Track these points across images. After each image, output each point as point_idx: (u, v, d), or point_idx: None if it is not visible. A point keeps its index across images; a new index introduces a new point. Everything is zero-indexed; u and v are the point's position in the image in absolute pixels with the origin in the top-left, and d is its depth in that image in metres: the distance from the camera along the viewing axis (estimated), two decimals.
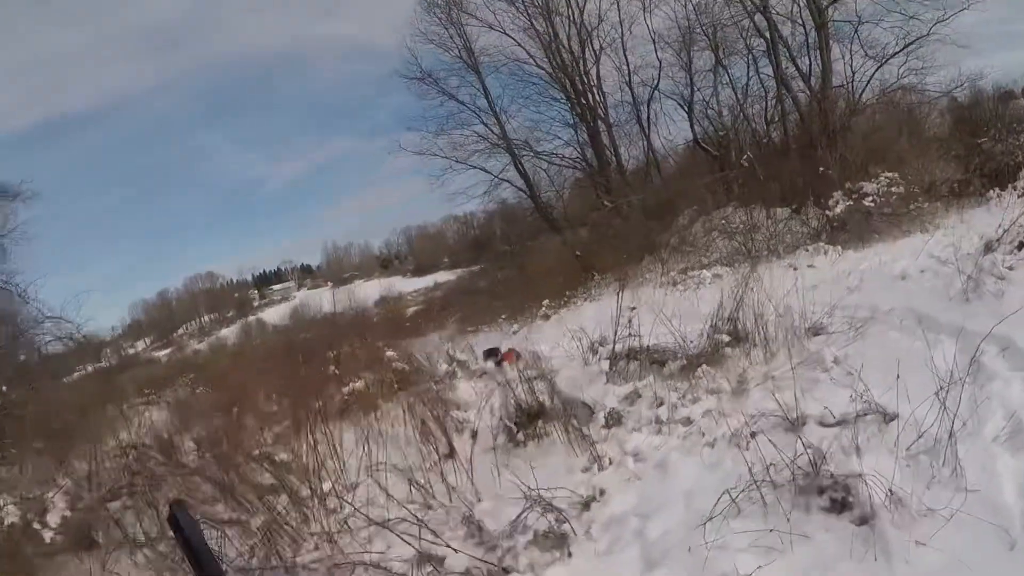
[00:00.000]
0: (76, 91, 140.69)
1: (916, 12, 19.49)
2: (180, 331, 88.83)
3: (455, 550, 4.38)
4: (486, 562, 4.28)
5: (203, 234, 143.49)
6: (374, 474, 6.11)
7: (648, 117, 25.30)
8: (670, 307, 9.15)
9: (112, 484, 7.10)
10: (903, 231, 13.53)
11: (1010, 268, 6.97)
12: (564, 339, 9.04)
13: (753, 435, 4.91)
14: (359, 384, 9.56)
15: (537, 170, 26.23)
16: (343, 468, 6.66)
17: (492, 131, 25.45)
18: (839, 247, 13.46)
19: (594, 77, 25.13)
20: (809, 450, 4.00)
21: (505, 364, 8.75)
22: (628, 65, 24.91)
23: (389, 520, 4.76)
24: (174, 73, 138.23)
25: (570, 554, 4.29)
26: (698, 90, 24.20)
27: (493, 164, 25.69)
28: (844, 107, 19.96)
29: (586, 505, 4.86)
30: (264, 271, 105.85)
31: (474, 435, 6.91)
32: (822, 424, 4.72)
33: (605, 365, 7.36)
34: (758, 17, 21.07)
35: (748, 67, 23.10)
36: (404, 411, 7.71)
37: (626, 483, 5.12)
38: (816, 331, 7.02)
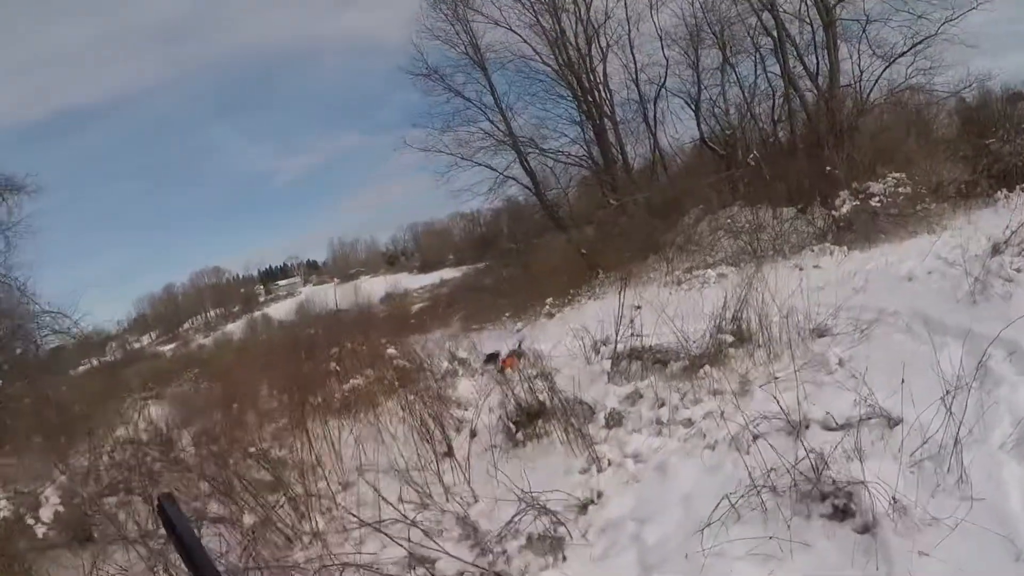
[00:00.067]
0: (85, 85, 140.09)
1: (924, 11, 19.27)
2: (186, 326, 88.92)
3: (447, 554, 4.31)
4: (477, 566, 4.21)
5: (210, 229, 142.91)
6: (370, 473, 6.07)
7: (655, 115, 25.15)
8: (674, 306, 9.07)
9: (110, 479, 7.07)
10: (910, 232, 13.42)
11: (1018, 270, 6.86)
12: (566, 337, 8.93)
13: (755, 438, 4.82)
14: (360, 381, 9.51)
15: (543, 168, 26.13)
16: (340, 466, 6.63)
17: (498, 128, 25.33)
18: (845, 247, 13.35)
19: (600, 74, 24.97)
20: (811, 455, 3.91)
21: (507, 370, 8.61)
22: (635, 63, 24.74)
23: (383, 521, 4.69)
24: (182, 67, 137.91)
25: (564, 558, 4.22)
26: (705, 88, 24.03)
27: (498, 161, 25.57)
28: (851, 107, 19.82)
29: (583, 508, 4.79)
30: (270, 266, 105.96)
31: (473, 434, 6.86)
32: (825, 428, 4.65)
33: (607, 365, 7.29)
34: (766, 15, 20.88)
35: (755, 66, 22.92)
36: (403, 409, 7.67)
37: (624, 486, 5.05)
38: (821, 332, 6.93)
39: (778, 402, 4.73)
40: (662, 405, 6.15)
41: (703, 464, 4.88)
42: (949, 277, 7.72)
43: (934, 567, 3.10)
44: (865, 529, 3.47)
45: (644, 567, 3.92)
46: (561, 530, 4.38)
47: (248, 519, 5.11)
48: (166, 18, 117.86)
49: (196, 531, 4.96)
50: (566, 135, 26.08)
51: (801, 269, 11.97)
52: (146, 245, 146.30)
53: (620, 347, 7.49)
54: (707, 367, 6.50)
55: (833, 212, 14.96)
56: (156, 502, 1.73)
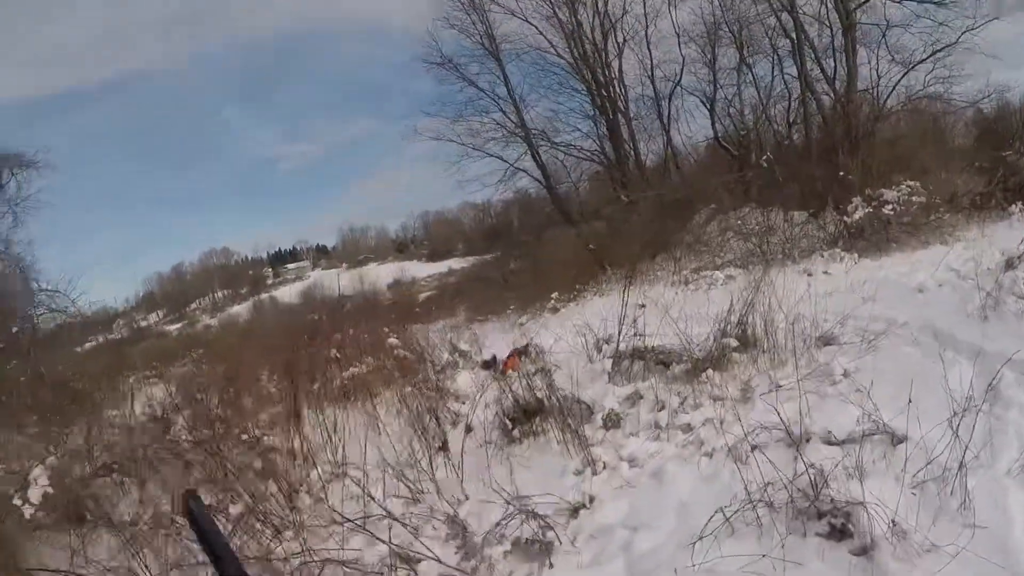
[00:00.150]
0: (98, 66, 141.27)
1: (946, 19, 19.08)
2: (193, 306, 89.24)
3: (431, 557, 4.22)
4: (461, 571, 4.12)
5: (220, 210, 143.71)
6: (363, 466, 6.00)
7: (669, 113, 25.11)
8: (680, 307, 8.98)
9: (103, 461, 7.01)
10: (922, 242, 13.23)
11: None
12: (569, 334, 8.82)
13: (754, 448, 4.72)
14: (360, 369, 9.42)
15: (554, 161, 26.02)
16: (333, 457, 6.54)
17: (510, 119, 25.25)
18: (856, 254, 13.16)
19: (616, 70, 24.87)
20: (810, 470, 3.79)
21: (509, 372, 8.48)
22: (651, 59, 24.67)
23: (369, 517, 4.61)
24: (198, 49, 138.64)
25: (551, 565, 4.12)
26: (721, 88, 23.98)
27: (509, 153, 25.50)
28: (868, 112, 19.59)
29: (574, 512, 4.69)
30: (280, 249, 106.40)
31: (469, 429, 6.77)
32: (827, 442, 4.53)
33: (608, 364, 7.18)
34: (785, 16, 20.71)
35: (772, 67, 22.78)
36: (401, 400, 7.60)
37: (618, 491, 4.94)
38: (827, 341, 6.81)
39: (779, 414, 4.61)
40: (662, 408, 6.03)
41: (700, 473, 4.78)
42: (961, 291, 7.56)
43: None
44: (863, 551, 3.35)
45: None
46: (551, 534, 4.28)
47: (235, 509, 5.02)
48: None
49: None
50: (579, 129, 26.03)
51: (810, 275, 11.82)
52: (156, 225, 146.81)
53: (623, 346, 7.37)
54: (710, 371, 6.36)
55: (845, 218, 14.75)
56: (182, 499, 1.68)
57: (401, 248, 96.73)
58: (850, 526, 3.47)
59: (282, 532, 4.98)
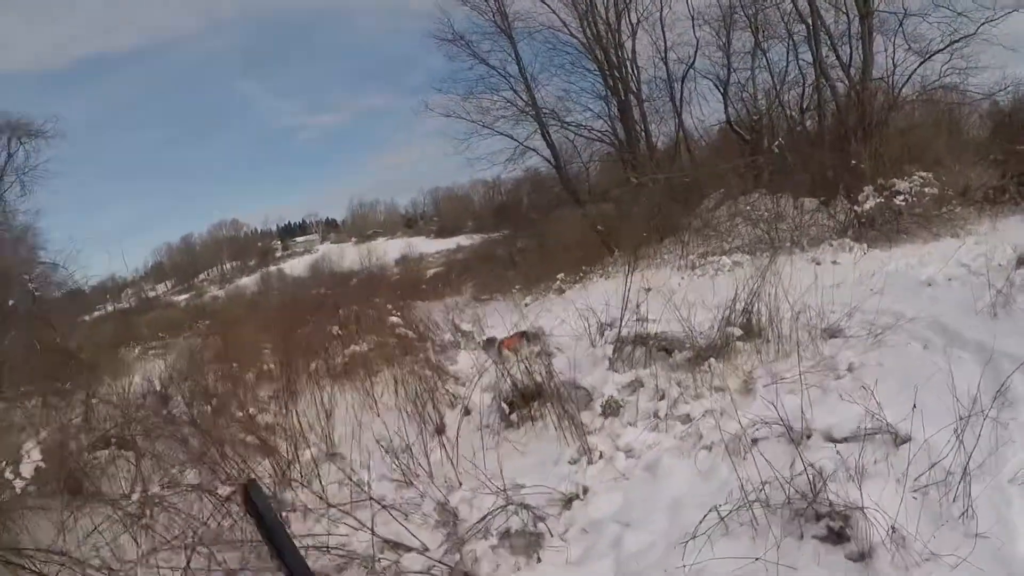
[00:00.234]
0: (115, 35, 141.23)
1: (965, 9, 18.69)
2: (201, 277, 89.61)
3: (417, 549, 4.15)
4: (445, 564, 4.05)
5: (231, 182, 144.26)
6: (357, 447, 5.95)
7: (681, 95, 24.80)
8: (686, 292, 8.89)
9: (99, 434, 6.97)
10: (933, 234, 13.07)
11: None
12: (572, 317, 8.72)
13: (754, 442, 4.64)
14: (362, 347, 9.37)
15: (564, 141, 25.76)
16: (329, 436, 6.49)
17: (520, 97, 24.87)
18: (865, 245, 13.00)
19: (628, 50, 24.53)
20: (809, 469, 3.69)
21: (505, 351, 8.43)
22: (664, 40, 24.35)
23: (358, 501, 4.55)
24: (217, 18, 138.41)
25: (539, 559, 4.05)
26: (734, 71, 23.66)
27: (519, 131, 25.12)
28: (882, 101, 19.31)
29: (567, 503, 4.62)
30: (289, 222, 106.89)
31: (467, 411, 6.72)
32: (828, 439, 4.44)
33: (609, 350, 7.09)
34: (801, 1, 20.38)
35: (787, 52, 22.37)
36: (398, 380, 7.54)
37: (613, 482, 4.87)
38: (833, 333, 6.69)
39: (778, 411, 4.51)
40: (662, 397, 5.95)
41: (696, 467, 4.70)
42: (971, 286, 7.38)
43: None
44: (860, 557, 3.26)
45: None
46: (541, 526, 4.22)
47: (223, 490, 4.95)
48: None
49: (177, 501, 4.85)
50: (590, 109, 25.68)
51: (819, 263, 11.69)
52: (167, 194, 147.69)
53: (625, 332, 7.26)
54: (712, 360, 6.25)
55: (856, 207, 14.56)
56: (243, 489, 1.67)
57: (410, 223, 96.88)
58: (848, 530, 3.38)
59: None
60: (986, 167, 16.55)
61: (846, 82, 20.21)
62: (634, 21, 24.25)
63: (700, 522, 3.66)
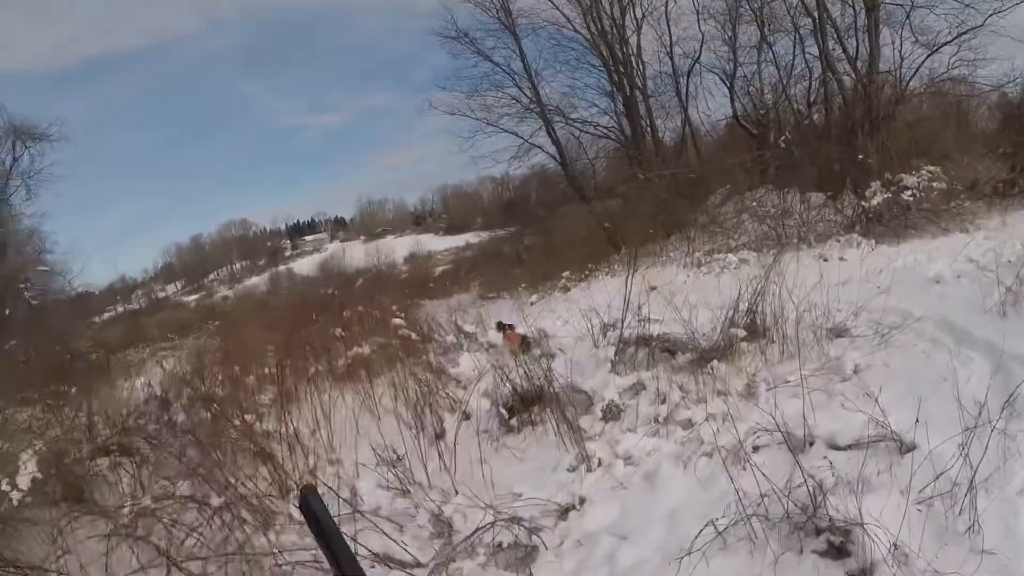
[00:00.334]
0: (117, 35, 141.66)
1: (972, 1, 18.55)
2: (211, 277, 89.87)
3: (408, 565, 4.07)
4: None
5: (239, 181, 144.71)
6: (353, 455, 5.89)
7: (687, 90, 24.59)
8: (692, 290, 8.78)
9: (100, 441, 6.92)
10: (942, 229, 12.87)
11: None
12: (576, 317, 8.61)
13: (755, 449, 4.54)
14: (364, 350, 9.29)
15: (570, 138, 25.63)
16: (328, 443, 6.43)
17: (525, 94, 24.73)
18: (873, 240, 12.85)
19: (634, 46, 24.30)
20: (810, 480, 3.58)
21: (505, 340, 8.37)
22: (670, 35, 24.12)
23: (349, 514, 4.47)
24: (217, 18, 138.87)
25: (531, 574, 3.95)
26: (741, 66, 23.46)
27: (524, 129, 24.99)
28: (890, 94, 19.10)
29: (564, 514, 4.53)
30: (298, 221, 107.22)
31: (466, 416, 6.63)
32: (831, 446, 4.33)
33: (611, 352, 6.99)
34: None
35: (794, 46, 22.17)
36: (398, 385, 7.45)
37: (610, 491, 4.76)
38: (839, 333, 6.57)
39: (780, 417, 4.40)
40: (663, 401, 5.83)
41: (696, 475, 4.59)
42: (980, 283, 7.23)
43: None
44: (861, 573, 3.14)
45: None
46: (535, 539, 4.13)
47: (216, 500, 4.88)
48: None
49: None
50: (596, 105, 25.50)
51: (825, 260, 11.58)
52: (168, 194, 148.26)
53: (628, 332, 7.15)
54: (715, 362, 6.14)
55: (863, 202, 14.37)
56: (300, 494, 1.62)
57: (419, 221, 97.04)
58: (850, 545, 3.27)
59: (265, 526, 4.83)
60: (995, 160, 16.31)
61: (853, 75, 20.01)
62: (639, 16, 24.07)
63: (696, 536, 3.56)
